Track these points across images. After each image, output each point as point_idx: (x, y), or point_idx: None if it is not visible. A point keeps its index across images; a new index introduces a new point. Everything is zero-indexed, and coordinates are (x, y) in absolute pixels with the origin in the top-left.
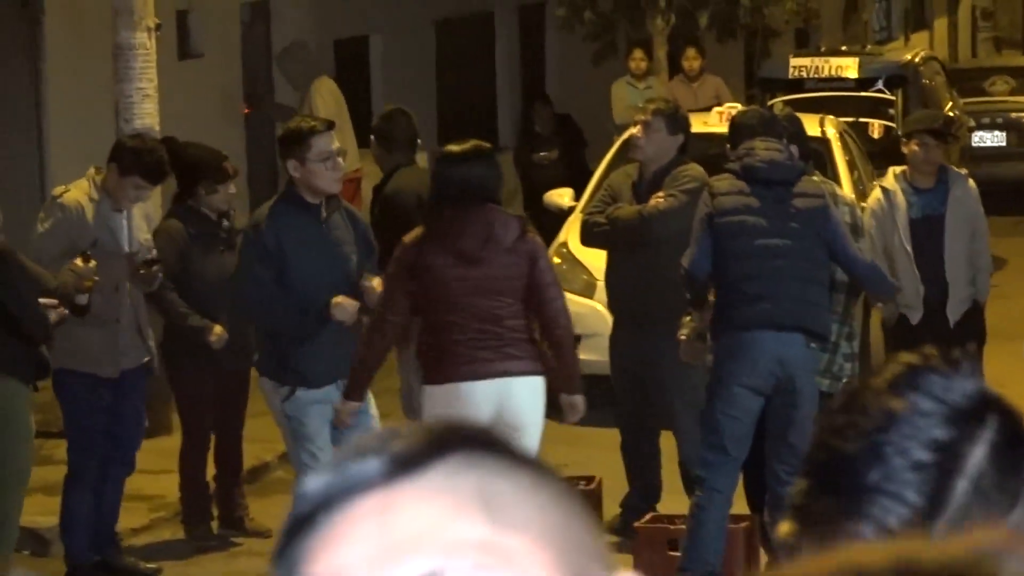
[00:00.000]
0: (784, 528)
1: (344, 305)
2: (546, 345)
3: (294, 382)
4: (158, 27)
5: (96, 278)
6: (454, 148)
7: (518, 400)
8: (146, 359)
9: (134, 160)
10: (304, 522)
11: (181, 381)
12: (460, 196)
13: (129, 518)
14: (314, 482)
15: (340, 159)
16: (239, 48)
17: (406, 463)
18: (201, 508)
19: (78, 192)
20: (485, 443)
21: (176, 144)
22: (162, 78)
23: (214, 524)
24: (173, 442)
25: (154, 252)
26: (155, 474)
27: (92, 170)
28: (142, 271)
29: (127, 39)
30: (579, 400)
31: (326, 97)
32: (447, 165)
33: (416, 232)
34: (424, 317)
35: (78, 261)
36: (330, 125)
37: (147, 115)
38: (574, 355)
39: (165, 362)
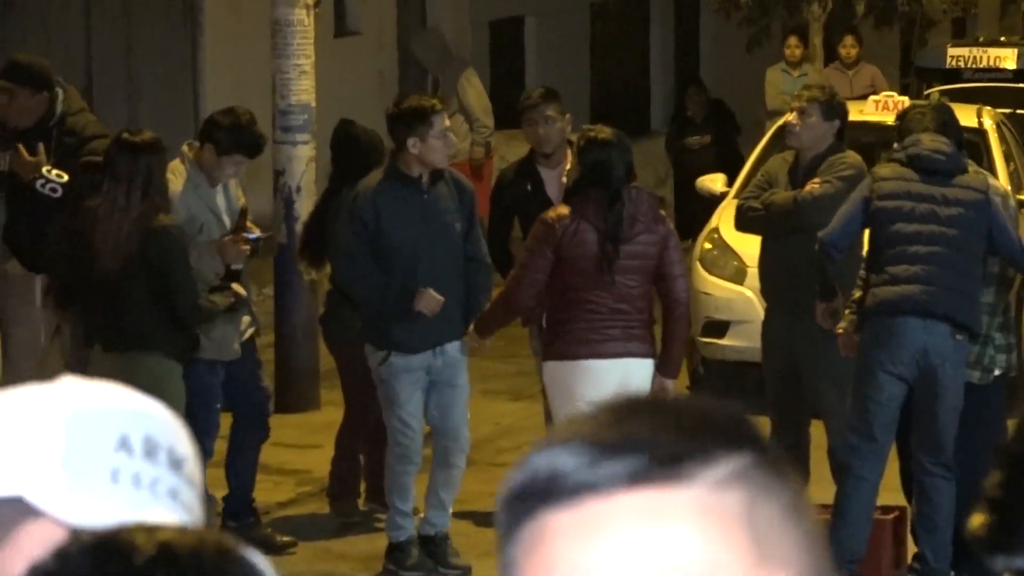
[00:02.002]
0: (977, 520)
1: (427, 297)
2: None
3: (389, 348)
4: (316, 4)
5: (249, 246)
6: (596, 132)
7: (635, 382)
8: (252, 330)
9: (233, 139)
10: (549, 497)
11: (347, 356)
12: (605, 177)
13: (275, 492)
14: (565, 458)
15: (451, 136)
16: (395, 27)
17: (670, 463)
18: (350, 483)
19: (176, 179)
20: (747, 446)
21: (355, 128)
22: (318, 55)
23: (359, 501)
24: (321, 417)
25: (251, 227)
26: (302, 448)
27: (185, 147)
28: (243, 247)
29: (286, 15)
30: (671, 385)
31: (478, 88)
32: (591, 147)
33: (561, 209)
34: (557, 293)
35: (228, 236)
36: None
37: (303, 91)
38: (684, 340)
39: (328, 336)
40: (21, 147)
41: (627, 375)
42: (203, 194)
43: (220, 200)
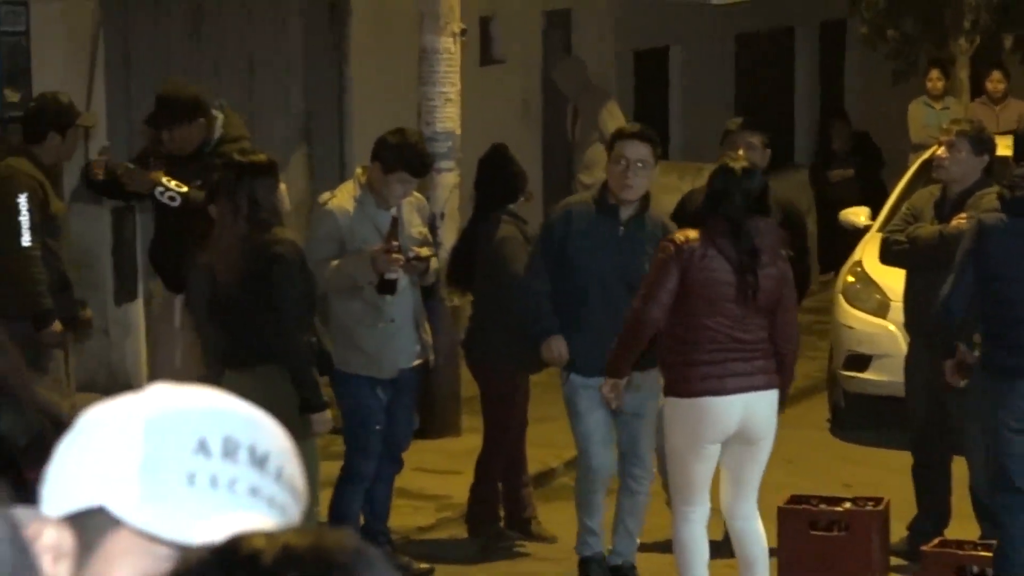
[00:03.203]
0: None
1: (555, 345)
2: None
3: (569, 367)
4: (463, 32)
5: (401, 256)
6: (731, 162)
7: (760, 414)
8: (421, 359)
9: (397, 156)
10: None
11: (489, 380)
12: (721, 206)
13: (415, 516)
14: None
15: (639, 168)
16: (540, 55)
17: None
18: (490, 509)
19: (344, 196)
20: None
21: (507, 154)
22: (463, 83)
23: (499, 526)
24: (461, 443)
25: (424, 249)
26: (443, 474)
27: (359, 170)
28: (412, 262)
29: (432, 43)
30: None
31: (619, 120)
32: (725, 178)
33: (689, 232)
34: (677, 323)
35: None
36: (636, 135)
37: (448, 119)
38: (792, 377)
39: (470, 361)
40: (130, 165)
41: (751, 408)
42: (370, 214)
43: (388, 219)
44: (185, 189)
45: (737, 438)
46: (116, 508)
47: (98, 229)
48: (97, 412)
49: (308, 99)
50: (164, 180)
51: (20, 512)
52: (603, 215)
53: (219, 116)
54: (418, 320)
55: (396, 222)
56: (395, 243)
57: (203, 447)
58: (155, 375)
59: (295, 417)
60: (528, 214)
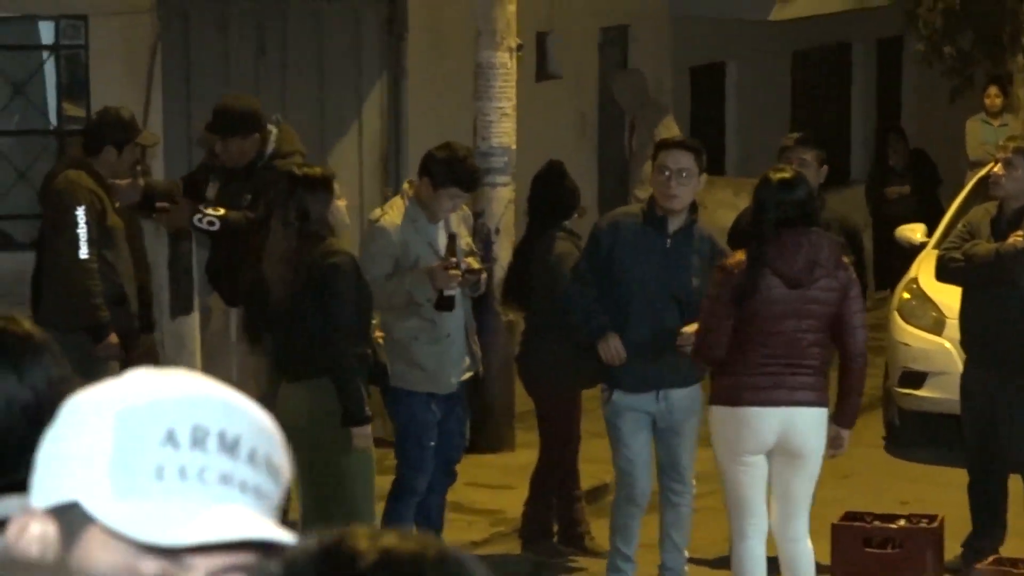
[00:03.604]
0: None
1: (611, 346)
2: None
3: (612, 384)
4: (519, 48)
5: (459, 272)
6: (771, 174)
7: (803, 430)
8: (472, 371)
9: (447, 171)
10: None
11: (543, 396)
12: (786, 220)
13: (469, 531)
14: None
15: (682, 178)
16: (596, 70)
17: None
18: (543, 525)
19: (394, 212)
20: None
21: (562, 170)
22: (519, 98)
23: (552, 542)
24: (515, 458)
25: (472, 260)
26: (496, 489)
27: (406, 185)
28: (466, 276)
29: (488, 59)
30: (847, 436)
31: (675, 134)
32: (772, 190)
33: (739, 255)
34: (732, 337)
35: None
36: (680, 144)
37: (504, 134)
38: (861, 391)
39: (525, 376)
40: (164, 205)
41: (791, 424)
42: (421, 228)
43: (440, 236)
44: (222, 212)
45: (780, 452)
46: (89, 505)
47: (154, 242)
48: (76, 402)
49: (363, 113)
50: (201, 207)
51: (10, 502)
52: (650, 227)
53: (273, 131)
54: (469, 332)
55: (454, 238)
56: (454, 259)
57: (171, 438)
58: None
59: (344, 430)
60: (583, 230)
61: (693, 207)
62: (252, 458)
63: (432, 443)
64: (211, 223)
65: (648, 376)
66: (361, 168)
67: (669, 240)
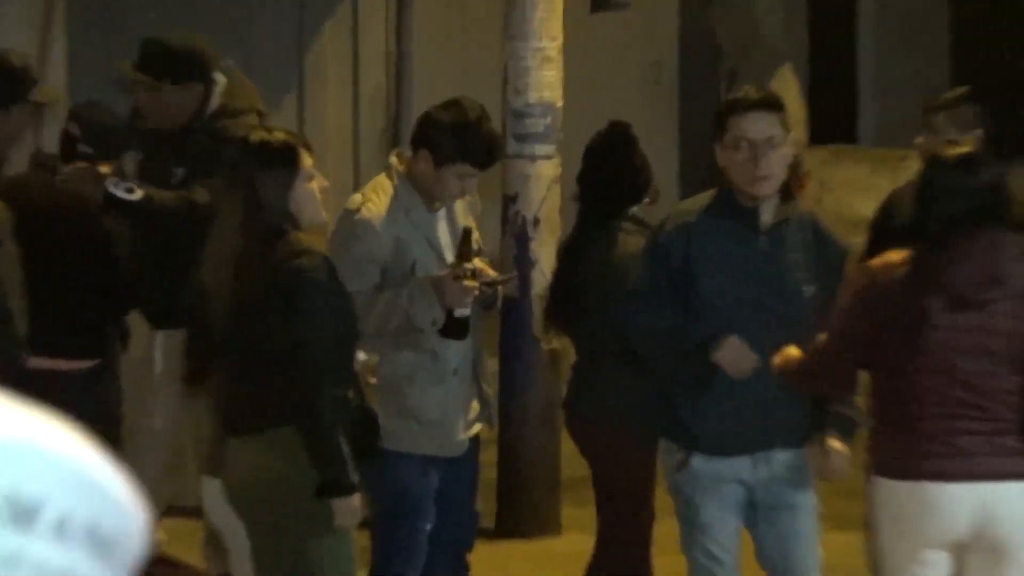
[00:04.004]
0: None
1: (733, 347)
2: None
3: (687, 445)
4: None
5: (476, 283)
6: (944, 151)
7: (1012, 514)
8: (483, 422)
9: (454, 141)
10: None
11: (603, 455)
12: (959, 216)
13: None
14: None
15: (769, 150)
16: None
17: None
18: None
19: (379, 199)
20: None
21: (628, 136)
22: (568, 37)
23: None
24: (562, 545)
25: (480, 263)
26: None
27: (394, 159)
28: (469, 284)
29: None
30: None
31: (795, 92)
32: (946, 171)
33: (892, 259)
34: (884, 379)
35: (447, 270)
36: (759, 104)
37: (546, 86)
38: None
39: (575, 427)
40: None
41: (996, 504)
42: (418, 221)
43: (442, 230)
44: (140, 190)
45: (977, 547)
46: None
47: None
48: None
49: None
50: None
51: None
52: (734, 223)
53: (221, 80)
54: (478, 365)
55: (469, 234)
56: (468, 265)
57: None
58: (129, 448)
59: (316, 503)
60: (656, 219)
61: (786, 188)
62: (61, 529)
63: (428, 525)
64: (129, 189)
65: (743, 431)
66: (356, 135)
67: (763, 238)
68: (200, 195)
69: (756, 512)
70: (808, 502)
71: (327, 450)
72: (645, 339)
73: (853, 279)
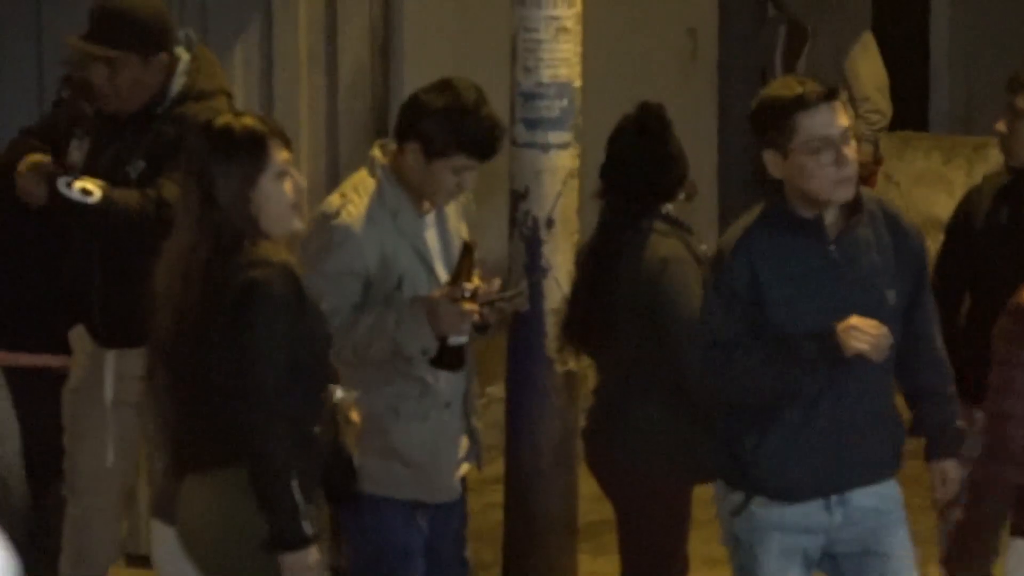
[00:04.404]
0: None
1: (856, 330)
2: None
3: (749, 488)
4: None
5: (476, 306)
6: None
7: None
8: (471, 462)
9: (451, 130)
10: None
11: (629, 495)
12: None
13: None
14: None
15: (851, 146)
16: None
17: None
18: None
19: (360, 200)
20: None
21: (662, 118)
22: (587, 2)
23: None
24: None
25: (474, 280)
26: None
27: (376, 151)
28: (468, 308)
29: None
30: None
31: (874, 57)
32: None
33: None
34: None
35: (442, 291)
36: (828, 95)
37: (561, 62)
38: None
39: (596, 464)
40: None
41: None
42: (405, 226)
43: (432, 236)
44: (102, 186)
45: None
46: None
47: None
48: None
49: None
50: (65, 169)
51: None
52: (798, 237)
53: (184, 57)
54: (469, 399)
55: (470, 252)
56: (468, 286)
57: None
58: (74, 476)
59: (263, 557)
60: (695, 220)
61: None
62: None
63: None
64: (86, 192)
65: (818, 472)
66: (334, 123)
67: (832, 248)
68: (169, 190)
69: (838, 564)
70: (902, 546)
71: (276, 495)
72: (746, 388)
73: (1008, 320)
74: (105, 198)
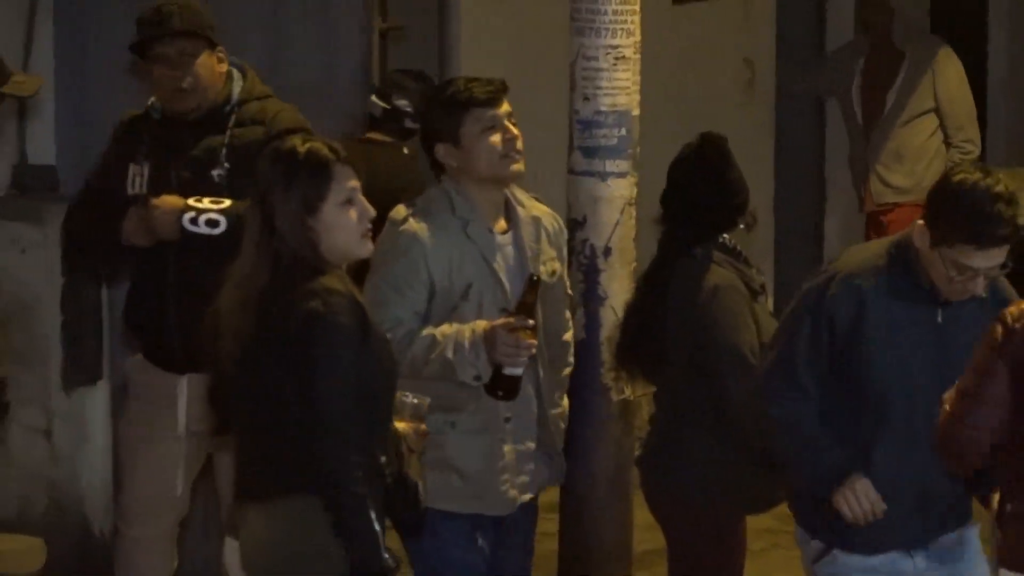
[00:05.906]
0: None
1: (861, 489)
2: None
3: (829, 538)
4: None
5: (534, 341)
6: None
7: None
8: (546, 484)
9: (446, 96)
10: None
11: (688, 522)
12: None
13: None
14: None
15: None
16: None
17: None
18: None
19: (428, 208)
20: None
21: (722, 149)
22: (647, 31)
23: None
24: None
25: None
26: None
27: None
28: (529, 341)
29: None
30: None
31: (960, 77)
32: None
33: None
34: (1015, 455)
35: (503, 319)
36: (998, 237)
37: (621, 91)
38: None
39: (652, 494)
40: (153, 202)
41: None
42: (477, 236)
43: (505, 251)
44: (227, 204)
45: None
46: None
47: (38, 268)
48: None
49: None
50: (192, 201)
51: None
52: (912, 289)
53: (235, 72)
54: (545, 403)
55: (536, 285)
56: (530, 320)
57: None
58: (133, 506)
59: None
60: (752, 249)
61: None
62: None
63: None
64: (212, 223)
65: (907, 526)
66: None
67: (941, 311)
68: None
69: None
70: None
71: (356, 526)
72: (775, 432)
73: (994, 331)
74: (230, 223)
